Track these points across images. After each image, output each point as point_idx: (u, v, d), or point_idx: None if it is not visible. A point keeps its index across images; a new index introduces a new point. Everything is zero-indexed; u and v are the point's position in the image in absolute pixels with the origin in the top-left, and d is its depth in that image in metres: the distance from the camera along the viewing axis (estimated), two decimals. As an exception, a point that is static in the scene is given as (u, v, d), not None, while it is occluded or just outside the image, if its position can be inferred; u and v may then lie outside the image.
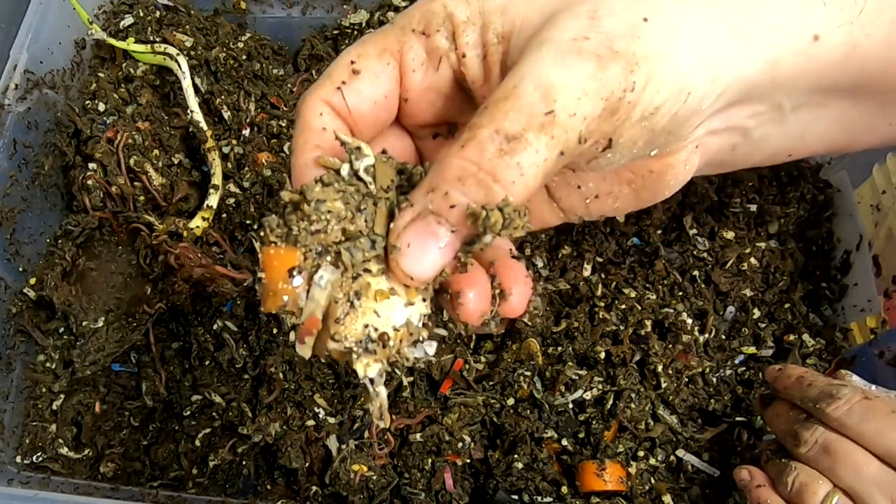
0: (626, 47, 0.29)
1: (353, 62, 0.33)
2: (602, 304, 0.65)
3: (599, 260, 0.68)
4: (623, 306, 0.65)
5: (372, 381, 0.30)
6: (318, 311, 0.30)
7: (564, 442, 0.61)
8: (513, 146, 0.28)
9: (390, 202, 0.31)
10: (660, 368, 0.62)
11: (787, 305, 0.68)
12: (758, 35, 0.32)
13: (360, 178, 0.31)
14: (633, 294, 0.66)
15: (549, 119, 0.28)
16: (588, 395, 0.62)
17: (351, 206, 0.30)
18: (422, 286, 0.30)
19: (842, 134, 0.42)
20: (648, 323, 0.64)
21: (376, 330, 0.29)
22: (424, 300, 0.30)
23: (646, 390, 0.62)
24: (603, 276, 0.67)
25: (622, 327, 0.64)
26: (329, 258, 0.29)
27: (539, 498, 0.60)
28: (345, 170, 0.31)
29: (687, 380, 0.63)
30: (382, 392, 0.30)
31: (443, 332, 0.31)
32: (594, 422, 0.61)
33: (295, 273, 0.30)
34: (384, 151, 0.33)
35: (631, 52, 0.29)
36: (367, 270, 0.29)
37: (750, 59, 0.32)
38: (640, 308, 0.65)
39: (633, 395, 0.61)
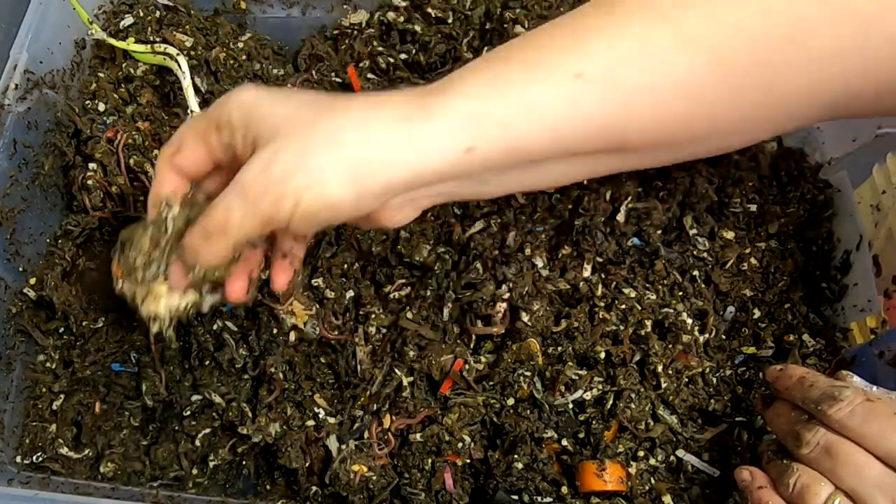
0: (278, 189, 0.43)
1: (180, 142, 0.50)
2: (602, 304, 0.65)
3: (599, 260, 0.68)
4: (623, 306, 0.65)
5: (158, 333, 0.54)
6: (127, 297, 0.53)
7: (564, 442, 0.61)
8: (206, 238, 0.46)
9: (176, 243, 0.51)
10: (660, 368, 0.62)
11: (786, 305, 0.68)
12: (407, 153, 0.43)
13: (166, 223, 0.50)
14: (633, 294, 0.66)
15: (224, 227, 0.45)
16: (588, 396, 0.62)
17: (152, 244, 0.50)
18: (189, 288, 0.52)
19: (580, 173, 0.54)
20: (648, 323, 0.64)
21: (154, 312, 0.52)
22: (195, 293, 0.52)
23: (646, 390, 0.62)
24: (603, 276, 0.67)
25: (622, 327, 0.64)
26: (132, 276, 0.51)
27: (539, 498, 0.60)
28: (164, 213, 0.50)
29: (687, 380, 0.63)
30: (155, 329, 0.53)
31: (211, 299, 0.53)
32: (594, 422, 0.61)
33: (118, 278, 0.53)
34: (208, 197, 0.51)
35: (281, 192, 0.43)
36: (156, 280, 0.51)
37: (401, 172, 0.44)
38: (640, 308, 0.65)
39: (633, 396, 0.61)
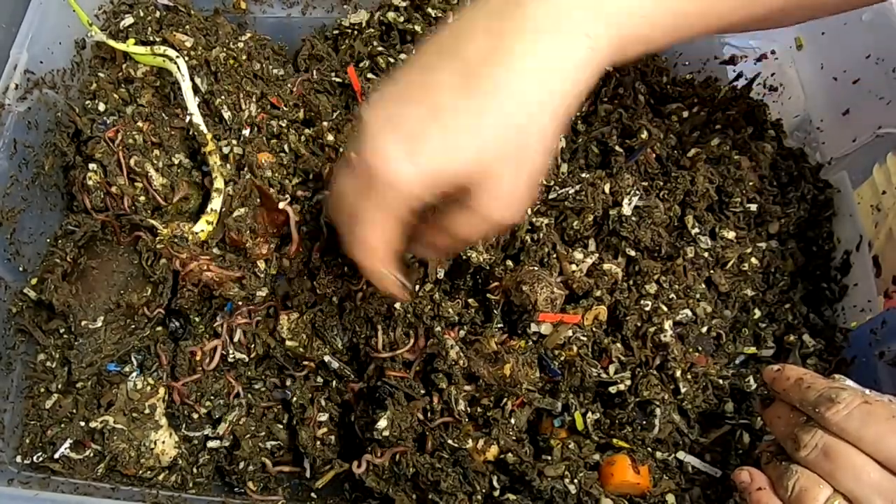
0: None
1: None
2: (627, 302, 0.64)
3: (613, 257, 0.67)
4: (646, 304, 0.64)
5: None
6: None
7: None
8: None
9: None
10: (678, 373, 0.61)
11: (787, 306, 0.68)
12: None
13: None
14: (652, 290, 0.65)
15: None
16: (622, 386, 0.61)
17: None
18: None
19: None
20: (662, 323, 0.63)
21: None
22: None
23: (667, 394, 0.61)
24: (617, 273, 0.66)
25: (640, 325, 0.63)
26: None
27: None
28: None
29: (692, 378, 0.62)
30: None
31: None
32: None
33: None
34: None
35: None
36: None
37: None
38: (656, 306, 0.64)
39: (657, 402, 0.60)
